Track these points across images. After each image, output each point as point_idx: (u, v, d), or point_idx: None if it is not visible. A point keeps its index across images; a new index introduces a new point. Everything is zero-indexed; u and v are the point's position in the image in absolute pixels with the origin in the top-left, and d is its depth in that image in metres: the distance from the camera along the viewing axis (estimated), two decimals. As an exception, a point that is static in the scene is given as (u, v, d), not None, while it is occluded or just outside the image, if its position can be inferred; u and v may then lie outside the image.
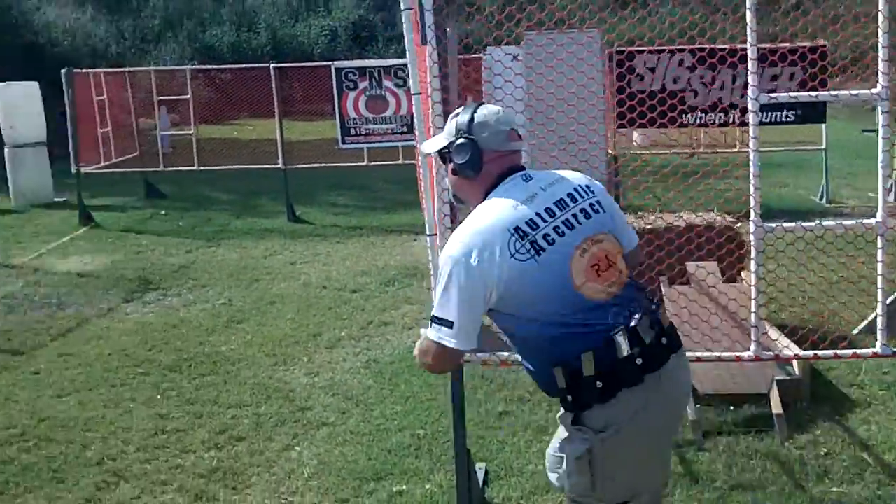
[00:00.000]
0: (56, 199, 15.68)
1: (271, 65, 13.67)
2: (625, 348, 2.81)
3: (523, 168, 3.10)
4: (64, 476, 4.97)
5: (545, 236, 2.88)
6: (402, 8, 3.89)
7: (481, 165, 3.05)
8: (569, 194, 3.01)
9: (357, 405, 5.80)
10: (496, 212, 2.94)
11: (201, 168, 14.42)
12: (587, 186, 3.08)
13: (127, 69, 16.88)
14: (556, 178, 3.08)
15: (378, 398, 5.89)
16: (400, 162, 13.45)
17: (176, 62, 29.09)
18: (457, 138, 3.09)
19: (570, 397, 2.88)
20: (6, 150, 15.02)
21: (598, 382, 2.81)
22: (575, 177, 3.12)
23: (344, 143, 13.11)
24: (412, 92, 3.95)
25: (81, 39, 30.61)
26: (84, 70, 14.46)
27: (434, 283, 3.22)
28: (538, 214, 2.92)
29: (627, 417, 2.82)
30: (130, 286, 9.47)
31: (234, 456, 5.15)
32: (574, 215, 2.96)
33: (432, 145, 3.26)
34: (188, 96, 14.71)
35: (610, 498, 2.93)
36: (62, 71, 13.37)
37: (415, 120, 4.01)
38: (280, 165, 13.57)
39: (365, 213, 13.38)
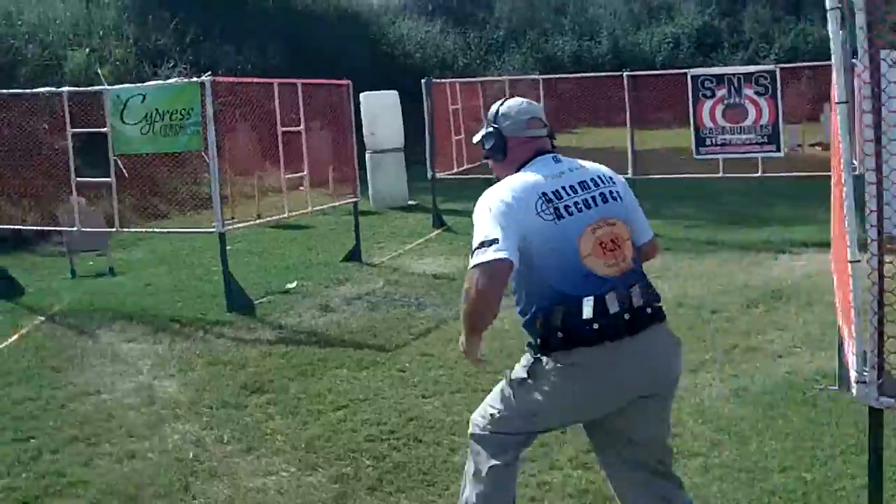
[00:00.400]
0: (410, 203, 16.46)
1: (625, 73, 13.43)
2: (587, 312, 3.22)
3: (553, 151, 3.59)
4: (434, 479, 4.99)
5: (566, 207, 3.35)
6: (829, 7, 3.46)
7: (506, 150, 3.58)
8: (592, 179, 3.47)
9: (730, 437, 5.38)
10: (528, 178, 3.43)
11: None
12: (609, 177, 3.55)
13: (480, 79, 17.33)
14: (581, 164, 3.57)
15: (753, 431, 5.43)
16: (758, 175, 12.74)
17: (518, 72, 29.65)
18: (486, 128, 3.63)
19: (538, 340, 3.33)
20: (367, 155, 15.95)
21: (559, 333, 3.25)
22: (599, 168, 3.60)
23: (699, 153, 12.58)
24: (837, 100, 3.51)
25: (432, 51, 31.98)
26: (441, 80, 15.00)
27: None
28: (563, 188, 3.39)
29: (590, 367, 3.26)
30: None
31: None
32: (593, 197, 3.41)
33: (477, 136, 3.71)
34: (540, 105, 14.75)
35: (531, 420, 3.43)
36: (423, 81, 13.94)
37: (839, 130, 3.57)
38: (629, 175, 13.27)
39: (718, 228, 12.77)
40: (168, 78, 17.46)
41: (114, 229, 9.74)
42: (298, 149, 10.52)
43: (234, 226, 10.56)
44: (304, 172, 10.60)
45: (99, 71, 13.42)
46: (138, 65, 19.59)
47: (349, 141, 11.26)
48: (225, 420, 5.91)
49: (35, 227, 11.44)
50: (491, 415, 3.52)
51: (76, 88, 10.73)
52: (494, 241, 3.21)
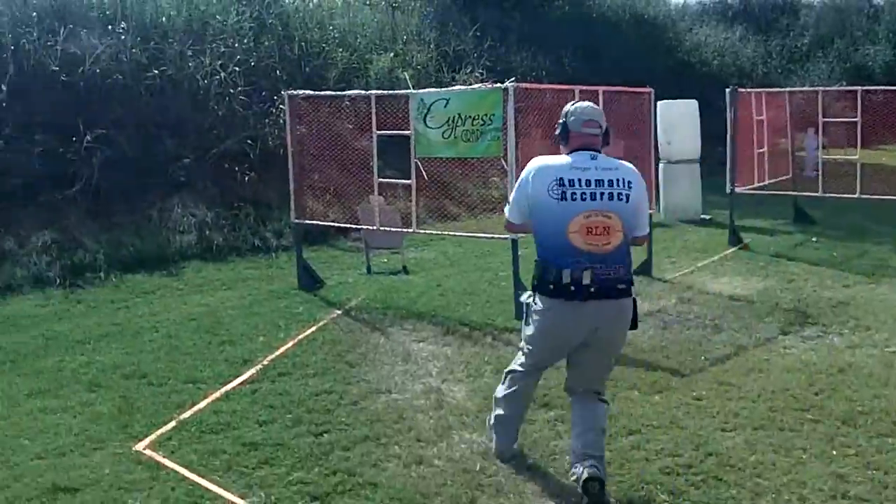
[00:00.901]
0: (703, 217, 15.76)
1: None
2: (566, 279, 4.58)
3: (597, 150, 4.69)
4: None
5: (573, 194, 4.53)
6: None
7: (567, 139, 4.78)
8: (610, 180, 4.56)
9: None
10: (558, 161, 4.66)
11: (862, 196, 13.23)
12: (629, 181, 4.61)
13: (787, 89, 16.31)
14: (614, 166, 4.66)
15: None
16: None
17: (823, 82, 27.88)
18: (561, 120, 4.84)
19: (536, 281, 4.75)
20: (661, 165, 15.40)
21: (550, 286, 4.63)
22: (628, 172, 4.67)
23: None
24: None
25: (730, 59, 30.79)
26: (747, 89, 14.20)
27: None
28: (579, 180, 4.55)
29: (553, 313, 4.73)
30: (786, 317, 8.90)
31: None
32: (602, 193, 4.52)
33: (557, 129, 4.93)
34: (856, 118, 13.49)
35: (533, 351, 5.03)
36: (727, 90, 13.25)
37: None
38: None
39: None
40: (465, 82, 17.80)
41: (410, 230, 9.90)
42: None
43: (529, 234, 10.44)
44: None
45: (406, 75, 13.77)
46: (438, 69, 20.10)
47: (648, 150, 10.85)
48: (513, 434, 5.75)
49: (337, 224, 11.91)
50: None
51: (383, 91, 11.05)
52: (509, 204, 5.00)
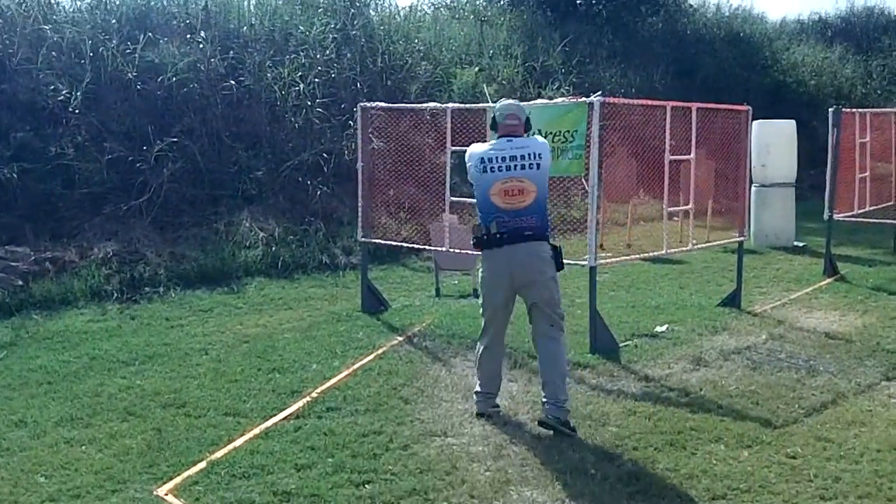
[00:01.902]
0: (796, 244, 14.85)
1: None
2: (493, 230, 6.07)
3: (515, 135, 6.21)
4: None
5: (491, 168, 6.08)
6: None
7: (497, 128, 6.32)
8: (521, 155, 6.08)
9: None
10: (482, 147, 6.27)
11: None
12: (539, 153, 6.14)
13: (894, 110, 15.29)
14: (526, 144, 6.20)
15: None
16: None
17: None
18: (492, 116, 6.49)
19: (475, 239, 6.25)
20: (753, 188, 14.52)
21: (485, 237, 6.12)
22: (537, 146, 6.23)
23: None
24: None
25: (828, 79, 29.63)
26: (851, 109, 13.24)
27: None
28: (496, 157, 6.10)
29: (485, 261, 6.23)
30: (890, 360, 8.05)
31: None
32: (515, 165, 6.05)
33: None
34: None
35: (483, 299, 6.39)
36: (830, 110, 12.36)
37: None
38: None
39: None
40: (551, 98, 17.17)
41: (479, 253, 9.28)
42: (685, 178, 9.53)
43: (607, 260, 9.76)
44: (690, 205, 9.57)
45: (485, 87, 13.20)
46: (524, 84, 19.55)
47: (742, 173, 10.05)
48: (580, 494, 5.10)
49: (406, 244, 11.34)
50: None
51: (459, 105, 10.50)
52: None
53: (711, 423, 6.26)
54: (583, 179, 8.28)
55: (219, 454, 5.64)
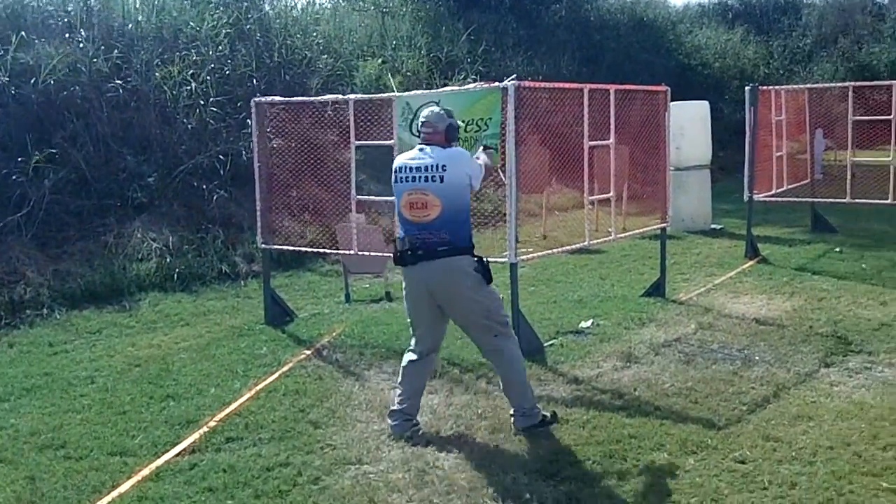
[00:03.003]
0: (713, 227, 14.58)
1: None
2: (407, 246, 5.71)
3: (429, 144, 5.82)
4: None
5: (402, 178, 5.77)
6: None
7: (419, 136, 6.07)
8: (427, 166, 5.68)
9: None
10: (404, 156, 5.95)
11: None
12: (443, 165, 5.66)
13: (807, 86, 15.06)
14: (435, 154, 5.73)
15: None
16: None
17: (826, 82, 26.82)
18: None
19: (394, 253, 5.90)
20: (669, 172, 14.16)
21: (400, 253, 5.76)
22: (444, 158, 5.71)
23: None
24: None
25: (731, 61, 29.86)
26: (767, 87, 12.90)
27: None
28: (407, 167, 5.76)
29: (406, 277, 5.86)
30: (825, 344, 7.69)
31: None
32: (421, 177, 5.67)
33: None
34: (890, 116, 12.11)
35: (408, 312, 6.00)
36: (746, 88, 12.03)
37: None
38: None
39: None
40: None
41: (390, 254, 8.61)
42: (604, 165, 9.02)
43: (528, 256, 9.16)
44: (611, 193, 9.04)
45: (389, 77, 12.52)
46: (429, 75, 18.96)
47: (663, 156, 9.58)
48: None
49: (307, 249, 10.58)
50: None
51: (362, 96, 9.81)
52: None
53: (651, 429, 5.75)
54: (498, 170, 7.65)
55: (102, 503, 4.88)
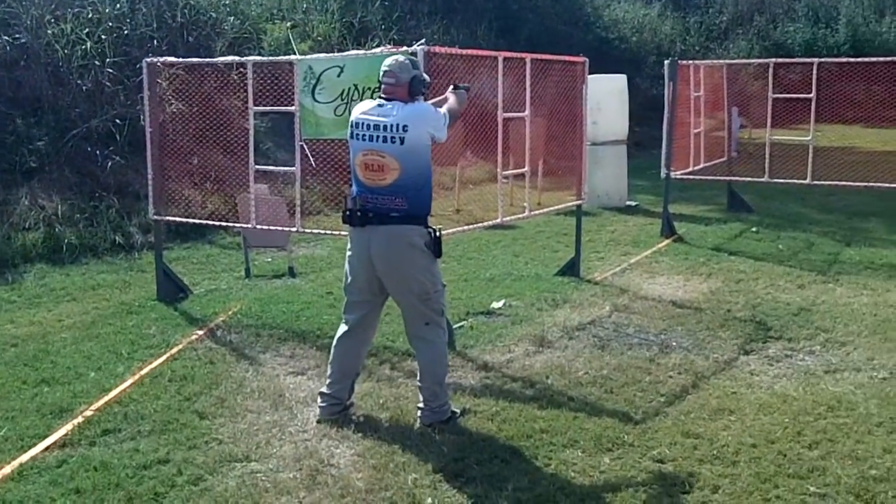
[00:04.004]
0: (629, 203, 14.36)
1: None
2: (357, 206, 5.24)
3: (390, 98, 5.24)
4: None
5: (358, 134, 5.25)
6: None
7: (380, 87, 5.38)
8: (386, 126, 5.14)
9: None
10: (362, 106, 5.37)
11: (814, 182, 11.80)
12: (404, 126, 5.12)
13: (726, 61, 14.86)
14: (395, 112, 5.16)
15: None
16: None
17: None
18: None
19: (343, 212, 5.39)
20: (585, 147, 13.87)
21: (348, 212, 5.29)
22: (405, 118, 5.15)
23: None
24: None
25: (648, 35, 29.83)
26: (686, 62, 12.61)
27: None
28: (365, 123, 5.23)
29: (352, 239, 5.40)
30: (744, 329, 7.46)
31: None
32: (380, 136, 5.16)
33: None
34: (811, 95, 11.91)
35: (346, 276, 5.49)
36: (665, 62, 11.75)
37: None
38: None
39: None
40: (372, 55, 16.03)
41: (294, 229, 8.09)
42: (519, 138, 8.63)
43: (443, 231, 8.72)
44: (526, 168, 8.65)
45: (291, 37, 11.89)
46: (341, 41, 18.32)
47: (579, 129, 9.21)
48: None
49: (203, 222, 9.94)
50: None
51: (261, 58, 9.23)
52: None
53: (564, 422, 5.38)
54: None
55: (-51, 510, 4.33)
